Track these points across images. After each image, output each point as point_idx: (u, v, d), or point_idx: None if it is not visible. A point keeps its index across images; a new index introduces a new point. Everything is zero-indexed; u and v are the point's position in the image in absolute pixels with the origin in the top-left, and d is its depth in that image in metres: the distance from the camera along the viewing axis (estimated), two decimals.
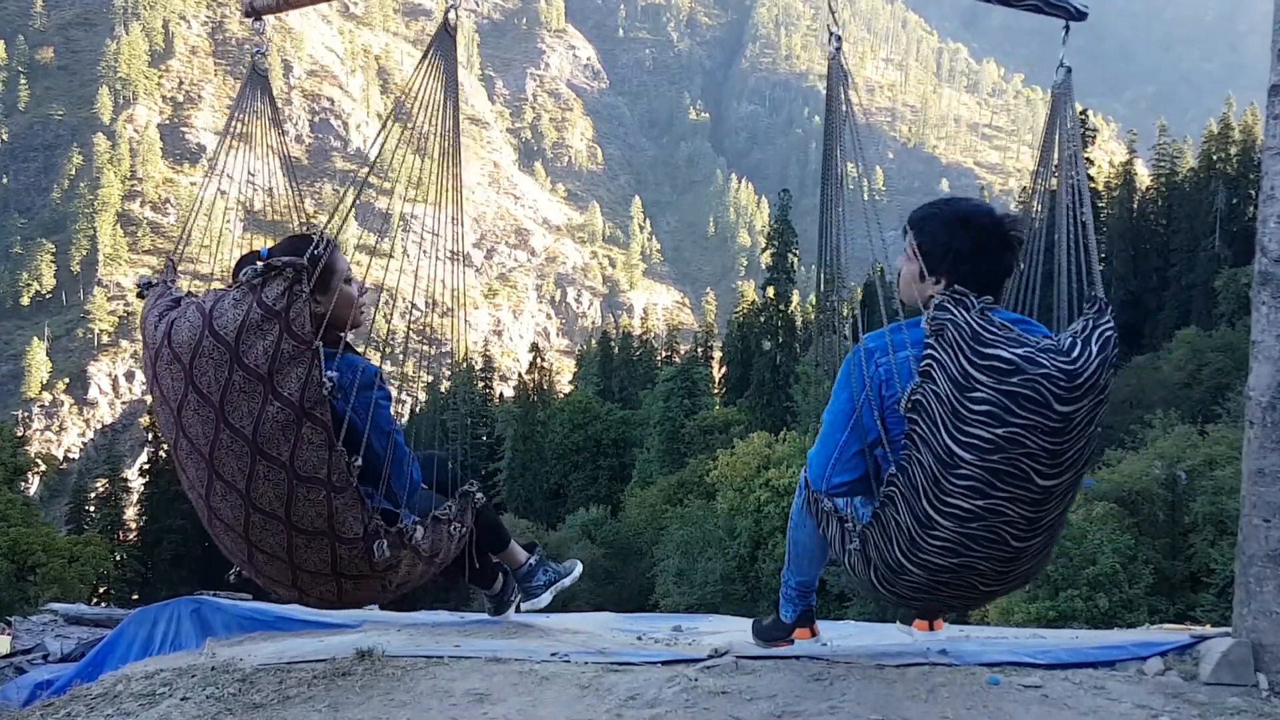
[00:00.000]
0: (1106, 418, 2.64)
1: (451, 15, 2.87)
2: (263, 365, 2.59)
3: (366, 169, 2.85)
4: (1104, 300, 2.57)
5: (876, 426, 2.53)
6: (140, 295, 2.98)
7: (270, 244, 2.98)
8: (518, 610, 3.90)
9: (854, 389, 2.57)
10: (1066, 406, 2.34)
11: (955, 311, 2.38)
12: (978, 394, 2.32)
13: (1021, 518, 2.43)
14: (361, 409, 2.78)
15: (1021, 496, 2.40)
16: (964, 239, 2.55)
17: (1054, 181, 2.99)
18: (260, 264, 2.65)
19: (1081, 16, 2.98)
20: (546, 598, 3.80)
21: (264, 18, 3.29)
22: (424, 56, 2.87)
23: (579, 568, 3.93)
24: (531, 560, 3.80)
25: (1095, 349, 2.41)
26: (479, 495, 3.30)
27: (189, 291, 2.97)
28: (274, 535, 2.77)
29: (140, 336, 2.92)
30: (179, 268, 3.09)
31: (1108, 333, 2.47)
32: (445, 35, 2.88)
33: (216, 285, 3.09)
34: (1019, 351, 2.33)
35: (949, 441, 2.35)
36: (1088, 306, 2.57)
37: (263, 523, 2.74)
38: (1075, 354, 2.38)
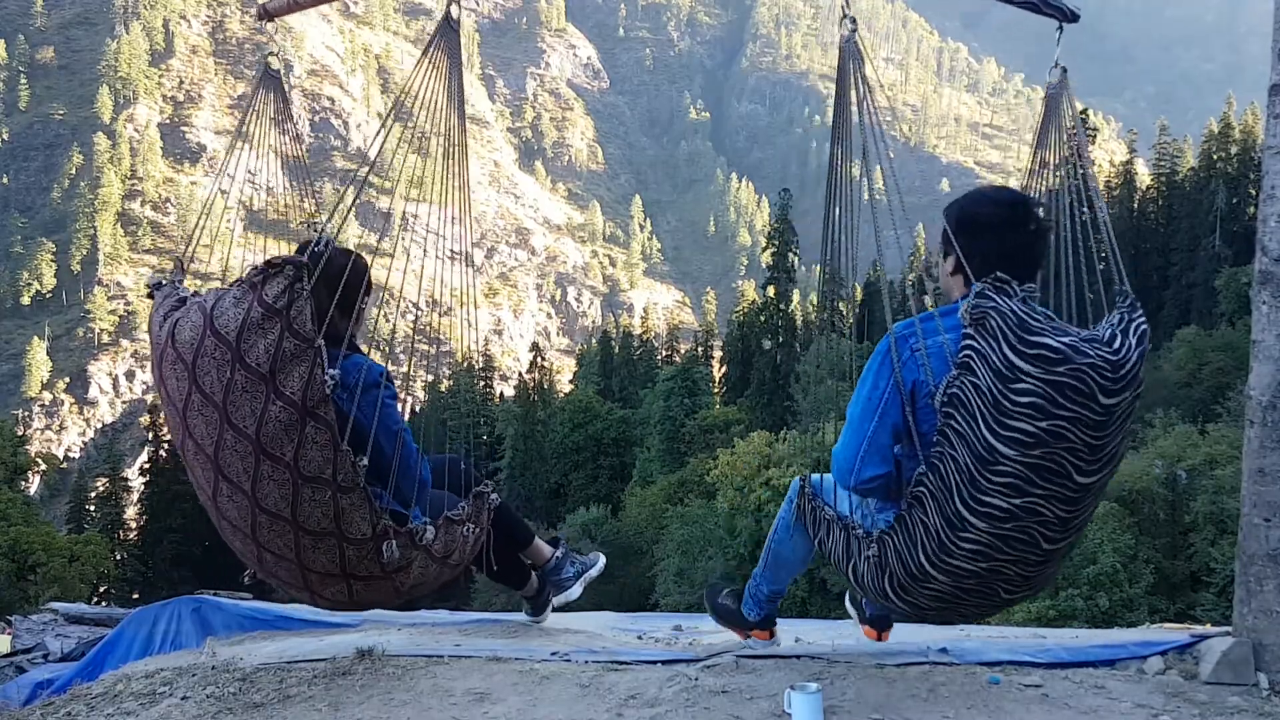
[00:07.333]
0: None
1: (454, 9, 2.78)
2: (264, 364, 2.55)
3: (367, 167, 2.76)
4: (1133, 295, 2.51)
5: (906, 419, 2.40)
6: (150, 296, 2.96)
7: (272, 244, 2.96)
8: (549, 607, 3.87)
9: (883, 378, 2.44)
10: (1110, 399, 2.26)
11: (998, 299, 2.28)
12: (1022, 385, 2.22)
13: (1056, 517, 2.35)
14: (367, 408, 2.74)
15: (1058, 494, 2.31)
16: (979, 210, 2.48)
17: (1054, 181, 2.96)
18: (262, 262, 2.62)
19: (1074, 18, 2.96)
20: (577, 589, 3.77)
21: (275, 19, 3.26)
22: (424, 52, 2.79)
23: (602, 559, 3.93)
24: (558, 554, 3.78)
25: (1134, 341, 2.35)
26: (494, 496, 3.25)
27: (194, 291, 2.93)
28: (281, 536, 2.73)
29: (148, 337, 2.91)
30: (188, 267, 3.06)
31: (1142, 325, 2.41)
32: (448, 29, 2.80)
33: (217, 284, 3.07)
34: (1065, 340, 2.25)
35: (989, 436, 2.25)
36: (1120, 300, 2.51)
37: (269, 523, 2.71)
38: (1117, 345, 2.32)
